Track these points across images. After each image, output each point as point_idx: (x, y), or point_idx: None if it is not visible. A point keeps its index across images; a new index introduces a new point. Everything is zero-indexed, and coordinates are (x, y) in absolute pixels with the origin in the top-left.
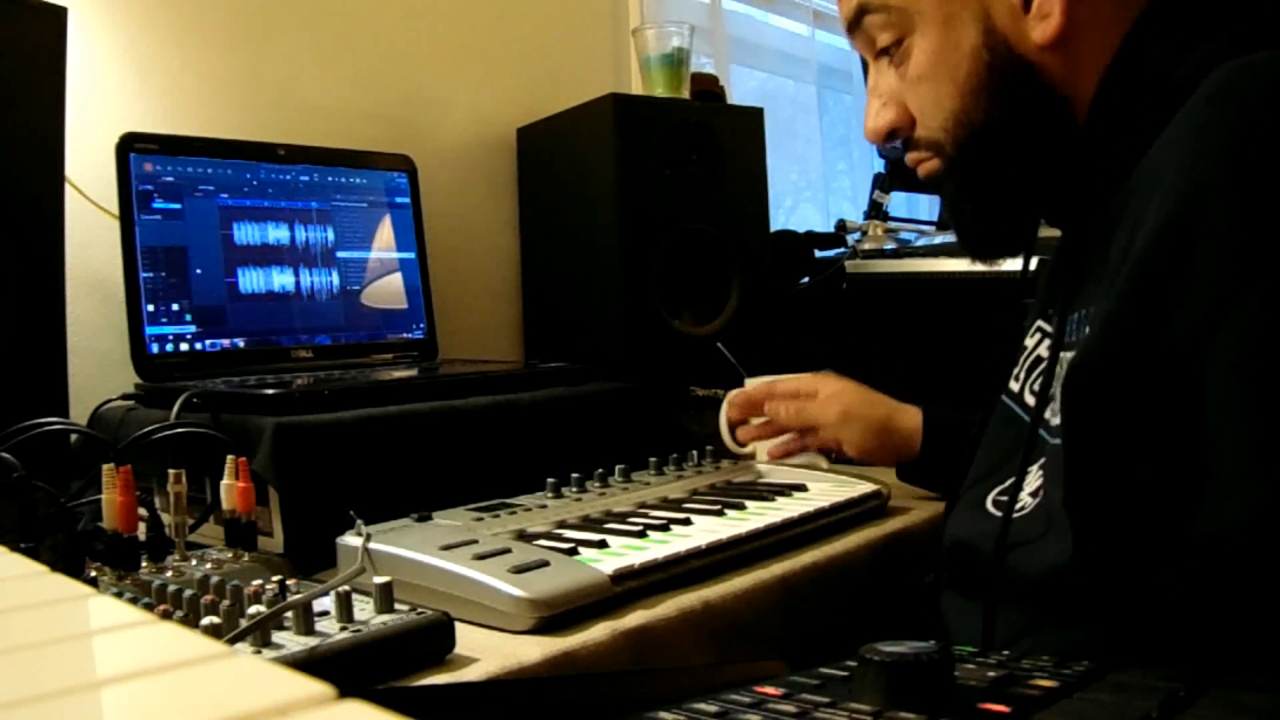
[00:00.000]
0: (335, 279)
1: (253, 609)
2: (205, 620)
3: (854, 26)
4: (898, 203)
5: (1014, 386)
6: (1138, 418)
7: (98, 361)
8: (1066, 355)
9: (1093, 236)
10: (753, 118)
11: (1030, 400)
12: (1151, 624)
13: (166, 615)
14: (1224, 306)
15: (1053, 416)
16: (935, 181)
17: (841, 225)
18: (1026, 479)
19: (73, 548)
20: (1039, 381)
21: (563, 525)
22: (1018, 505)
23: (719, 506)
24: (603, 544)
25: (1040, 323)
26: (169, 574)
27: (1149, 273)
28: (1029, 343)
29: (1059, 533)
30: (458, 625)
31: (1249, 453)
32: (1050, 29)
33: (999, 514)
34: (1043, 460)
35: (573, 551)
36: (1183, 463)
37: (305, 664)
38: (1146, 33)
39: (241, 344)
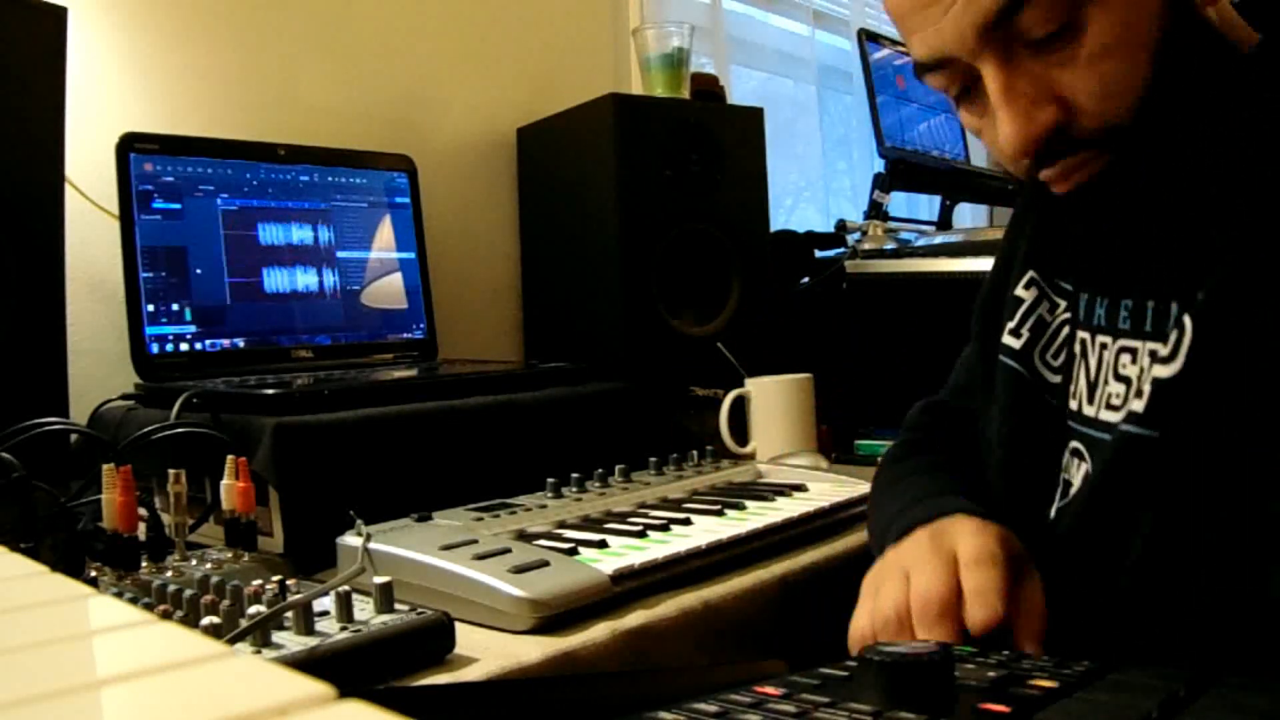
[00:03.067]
0: (335, 279)
1: (253, 609)
2: (205, 620)
3: (1000, 22)
4: (898, 203)
5: (1012, 343)
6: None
7: (98, 361)
8: (1145, 346)
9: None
10: (753, 118)
11: (1053, 377)
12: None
13: (166, 615)
14: None
15: (1103, 412)
16: (1091, 186)
17: (841, 225)
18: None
19: (73, 548)
20: (1061, 356)
21: (563, 525)
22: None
23: (719, 506)
24: (603, 544)
25: (1033, 273)
26: (169, 574)
27: None
28: (1023, 294)
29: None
30: (458, 625)
31: None
32: None
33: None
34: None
35: (573, 551)
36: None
37: (305, 664)
38: None
39: (241, 344)
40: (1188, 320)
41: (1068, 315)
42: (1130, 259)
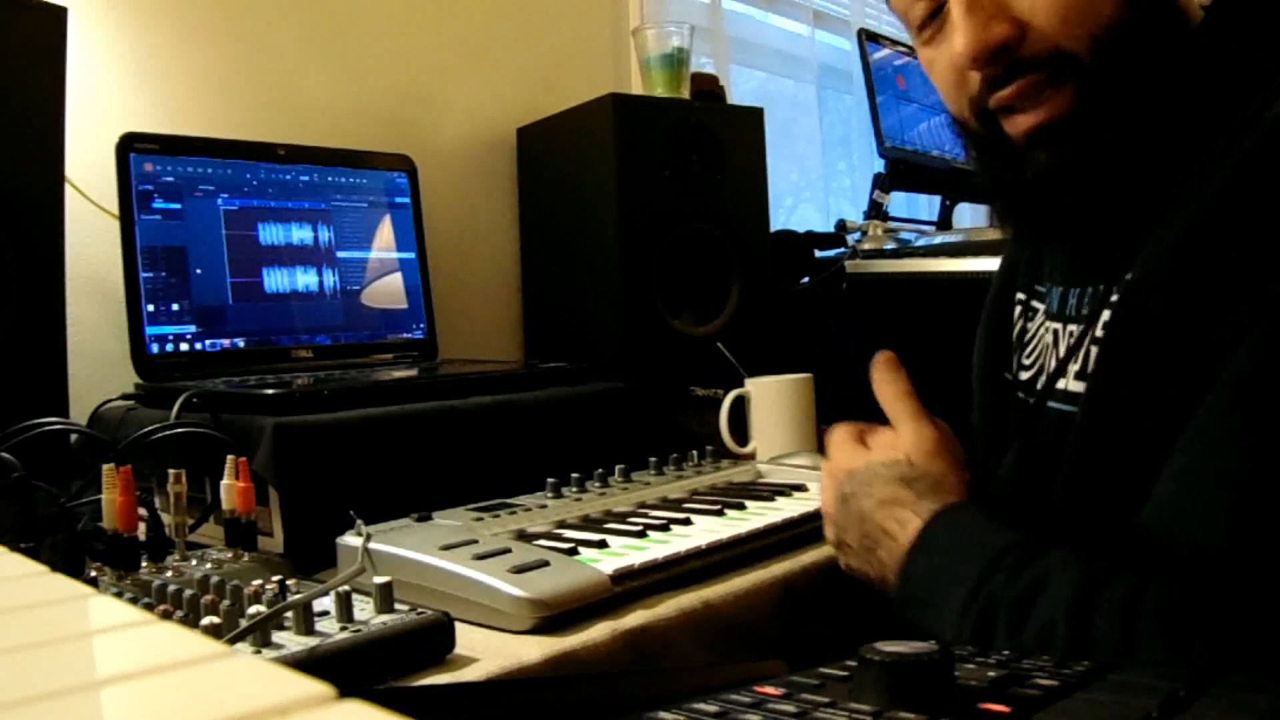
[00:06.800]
0: (335, 279)
1: (253, 609)
2: (205, 620)
3: None
4: (898, 203)
5: (1024, 377)
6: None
7: (98, 361)
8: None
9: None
10: (753, 118)
11: (1024, 375)
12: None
13: (166, 615)
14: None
15: (1067, 382)
16: (1051, 129)
17: (841, 225)
18: None
19: (73, 548)
20: (1034, 354)
21: (563, 525)
22: None
23: (719, 506)
24: (603, 544)
25: (1020, 295)
26: (169, 574)
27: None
28: (1017, 324)
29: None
30: (458, 625)
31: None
32: None
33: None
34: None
35: (573, 551)
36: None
37: (305, 664)
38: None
39: (241, 344)
40: (1114, 302)
41: (1044, 316)
42: (1087, 249)
